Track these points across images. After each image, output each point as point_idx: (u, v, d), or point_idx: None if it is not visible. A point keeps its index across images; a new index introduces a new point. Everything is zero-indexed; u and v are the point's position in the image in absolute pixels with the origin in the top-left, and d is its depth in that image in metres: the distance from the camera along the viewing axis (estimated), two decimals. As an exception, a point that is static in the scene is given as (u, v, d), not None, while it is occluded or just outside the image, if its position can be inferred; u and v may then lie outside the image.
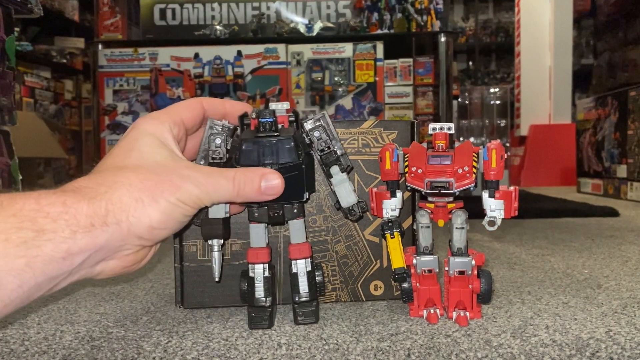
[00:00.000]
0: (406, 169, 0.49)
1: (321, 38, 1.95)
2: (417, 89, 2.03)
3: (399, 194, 0.51)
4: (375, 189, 0.52)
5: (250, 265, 0.49)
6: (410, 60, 1.97)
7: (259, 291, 0.48)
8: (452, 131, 0.50)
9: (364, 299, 0.57)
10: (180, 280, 0.54)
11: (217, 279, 0.49)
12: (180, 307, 0.55)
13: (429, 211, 0.50)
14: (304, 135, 0.49)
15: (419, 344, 0.43)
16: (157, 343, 0.44)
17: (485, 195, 0.48)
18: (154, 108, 1.87)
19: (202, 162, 0.48)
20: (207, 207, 0.45)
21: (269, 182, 0.44)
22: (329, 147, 0.49)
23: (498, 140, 0.49)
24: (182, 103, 0.47)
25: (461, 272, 0.49)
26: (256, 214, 0.48)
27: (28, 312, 0.54)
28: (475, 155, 0.48)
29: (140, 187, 0.39)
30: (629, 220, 1.32)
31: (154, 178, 0.39)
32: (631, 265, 0.75)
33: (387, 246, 0.50)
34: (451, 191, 0.47)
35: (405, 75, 1.96)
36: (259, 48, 1.85)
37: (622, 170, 1.94)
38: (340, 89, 1.85)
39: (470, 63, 4.71)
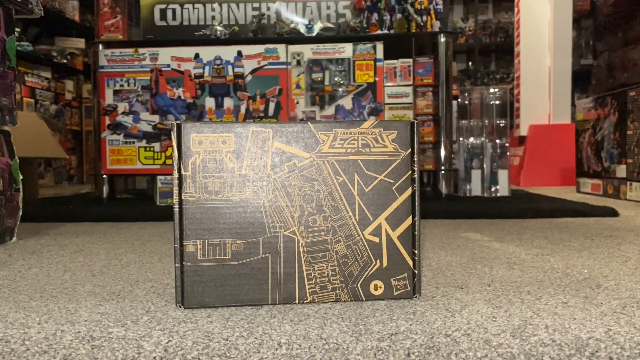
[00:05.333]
0: None
1: (321, 38, 1.95)
2: (417, 89, 2.03)
3: None
4: None
5: None
6: (410, 60, 1.97)
7: None
8: None
9: (364, 299, 0.57)
10: (181, 280, 0.55)
11: None
12: (180, 307, 0.55)
13: None
14: None
15: (418, 343, 0.43)
16: (157, 343, 0.44)
17: None
18: (154, 108, 1.87)
19: None
20: None
21: None
22: None
23: None
24: None
25: None
26: None
27: (29, 312, 0.54)
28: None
29: None
30: (629, 220, 1.32)
31: None
32: (630, 265, 0.75)
33: None
34: None
35: (405, 76, 1.96)
36: (259, 48, 1.85)
37: (621, 170, 1.95)
38: (340, 89, 1.85)
39: (470, 63, 4.72)
